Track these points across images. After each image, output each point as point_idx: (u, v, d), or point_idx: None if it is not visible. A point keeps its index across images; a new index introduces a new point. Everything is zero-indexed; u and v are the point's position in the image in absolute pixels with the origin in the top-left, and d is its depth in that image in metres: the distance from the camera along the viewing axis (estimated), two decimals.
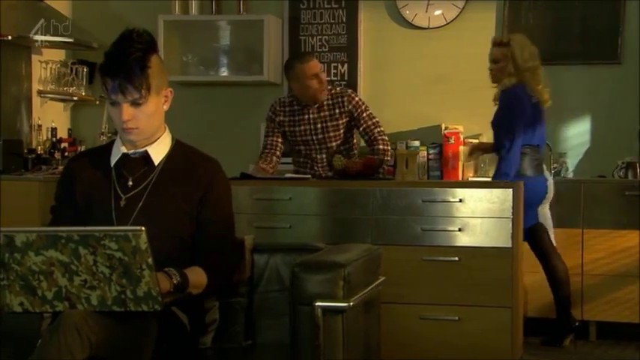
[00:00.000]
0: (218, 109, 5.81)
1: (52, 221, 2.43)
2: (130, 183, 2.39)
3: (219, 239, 2.41)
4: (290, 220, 3.96)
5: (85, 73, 5.55)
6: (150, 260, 2.02)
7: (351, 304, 2.22)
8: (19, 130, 5.24)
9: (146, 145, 2.40)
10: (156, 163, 2.41)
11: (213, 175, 2.43)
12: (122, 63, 2.28)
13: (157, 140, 2.42)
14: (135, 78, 2.28)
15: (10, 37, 4.87)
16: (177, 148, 2.46)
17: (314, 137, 4.51)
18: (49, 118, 5.46)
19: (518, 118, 4.39)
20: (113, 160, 2.41)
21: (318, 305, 2.19)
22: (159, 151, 2.42)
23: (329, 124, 4.50)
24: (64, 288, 2.04)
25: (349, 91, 4.60)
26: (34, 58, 5.42)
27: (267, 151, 4.56)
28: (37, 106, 5.41)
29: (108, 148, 2.45)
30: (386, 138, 4.50)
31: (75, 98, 5.60)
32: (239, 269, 2.52)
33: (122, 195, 2.37)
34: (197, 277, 2.32)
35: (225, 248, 2.42)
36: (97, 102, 5.61)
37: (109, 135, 5.49)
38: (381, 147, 4.45)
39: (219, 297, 2.49)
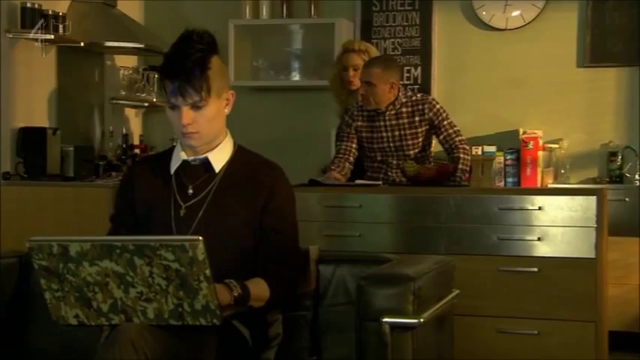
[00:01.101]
0: (289, 115, 5.73)
1: (111, 230, 2.36)
2: (190, 191, 2.29)
3: (283, 249, 2.29)
4: (360, 228, 3.84)
5: (156, 79, 5.53)
6: (208, 272, 1.92)
7: (422, 320, 2.08)
8: (92, 136, 5.25)
9: (207, 151, 2.31)
10: (217, 170, 2.31)
11: (275, 182, 2.32)
12: (181, 64, 2.19)
13: (218, 146, 2.32)
14: (195, 80, 2.19)
15: (82, 44, 4.87)
16: (238, 154, 2.36)
17: (391, 145, 4.36)
18: (121, 124, 5.46)
19: None
20: (173, 167, 2.33)
21: (386, 321, 2.05)
22: (220, 157, 2.32)
23: (407, 132, 4.34)
24: (119, 300, 1.96)
25: (430, 98, 4.41)
26: (107, 64, 5.43)
27: (340, 156, 4.43)
28: (110, 112, 5.42)
29: (168, 154, 2.37)
30: (467, 147, 4.32)
31: (146, 104, 5.59)
32: (303, 281, 2.41)
33: (182, 204, 2.28)
34: (259, 289, 2.22)
35: (289, 259, 2.31)
36: None
37: None
38: (461, 155, 4.26)
39: (282, 310, 2.38)
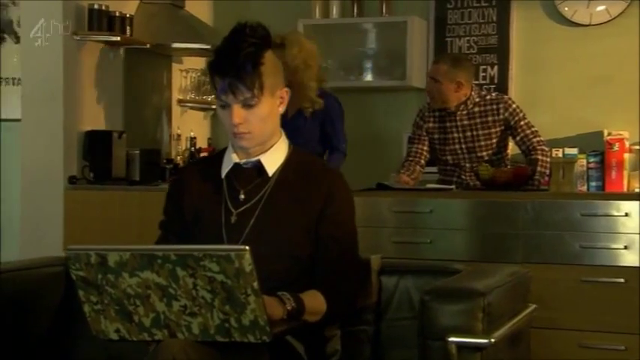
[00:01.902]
0: (358, 117, 5.54)
1: (159, 238, 2.22)
2: (242, 196, 2.14)
3: (341, 259, 2.12)
4: (431, 234, 3.65)
5: None
6: (255, 284, 1.76)
7: (493, 340, 1.88)
8: (159, 139, 5.17)
9: (259, 154, 2.15)
10: (270, 174, 2.15)
11: (333, 187, 2.15)
12: (232, 60, 2.04)
13: (271, 148, 2.17)
14: (246, 76, 2.04)
15: (148, 45, 4.80)
16: (293, 156, 2.20)
17: (462, 146, 4.16)
18: (189, 127, 5.37)
19: None
20: (224, 170, 2.18)
21: (452, 341, 1.86)
22: (273, 160, 2.16)
23: (480, 132, 4.13)
24: (162, 314, 1.82)
25: (505, 97, 4.22)
26: (175, 66, 5.35)
27: (410, 159, 4.25)
28: (177, 115, 5.34)
29: (219, 157, 2.22)
30: (546, 148, 4.08)
31: (214, 106, 5.47)
32: (364, 293, 2.23)
33: (233, 210, 2.13)
34: (315, 302, 2.05)
35: (348, 269, 2.14)
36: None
37: None
38: (539, 157, 4.02)
39: (341, 325, 2.20)
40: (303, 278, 2.11)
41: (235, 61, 2.04)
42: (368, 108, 5.53)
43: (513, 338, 2.14)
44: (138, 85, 4.97)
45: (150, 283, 1.79)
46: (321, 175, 2.16)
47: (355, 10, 5.49)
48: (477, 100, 4.13)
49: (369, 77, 5.50)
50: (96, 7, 4.55)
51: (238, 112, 2.08)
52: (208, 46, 4.94)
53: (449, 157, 4.21)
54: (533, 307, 2.27)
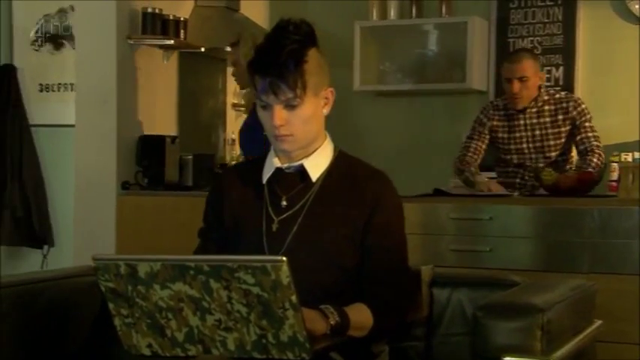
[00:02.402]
0: (416, 121, 5.40)
1: (198, 246, 2.12)
2: (284, 203, 2.03)
3: (389, 270, 1.99)
4: (491, 242, 3.49)
5: None
6: (294, 298, 1.64)
7: None
8: (214, 144, 5.10)
9: (303, 158, 2.03)
10: (313, 179, 2.03)
11: (381, 193, 2.01)
12: (274, 57, 1.93)
13: (315, 151, 2.05)
14: (288, 75, 1.92)
15: (202, 49, 4.73)
16: (339, 160, 2.07)
17: (530, 145, 4.00)
18: None
19: None
20: (265, 175, 2.06)
21: None
22: (317, 164, 2.04)
23: (549, 131, 3.96)
24: (195, 328, 1.71)
25: (575, 96, 4.11)
26: (230, 70, 5.27)
27: (470, 154, 4.09)
28: (232, 119, 5.27)
29: (261, 161, 2.11)
30: (602, 154, 3.91)
31: None
32: (414, 307, 2.09)
33: (274, 217, 2.02)
34: (361, 316, 1.92)
35: (397, 281, 2.00)
36: None
37: None
38: (595, 160, 3.86)
39: (389, 341, 2.07)
40: (349, 290, 1.98)
41: (277, 59, 1.93)
42: (427, 112, 5.38)
43: (576, 358, 1.97)
44: (192, 90, 4.91)
45: (182, 295, 1.68)
46: (368, 180, 2.03)
47: (414, 11, 5.34)
48: (546, 97, 4.00)
49: (428, 80, 5.34)
50: (150, 10, 4.50)
51: (280, 113, 1.96)
52: None
53: (514, 157, 4.05)
54: (598, 323, 2.10)
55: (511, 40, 5.17)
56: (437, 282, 2.17)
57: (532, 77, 3.94)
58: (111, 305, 1.73)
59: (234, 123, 5.27)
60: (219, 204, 2.09)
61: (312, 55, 1.99)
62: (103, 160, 4.35)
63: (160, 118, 4.65)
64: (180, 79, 4.80)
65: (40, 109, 5.61)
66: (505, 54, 5.03)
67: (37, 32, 5.74)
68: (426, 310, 2.14)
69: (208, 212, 2.12)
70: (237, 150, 5.16)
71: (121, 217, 4.29)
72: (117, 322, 1.75)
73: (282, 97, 1.95)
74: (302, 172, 2.04)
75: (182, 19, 4.64)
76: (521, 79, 3.92)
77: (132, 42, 4.47)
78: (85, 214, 4.40)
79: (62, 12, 5.54)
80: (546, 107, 3.98)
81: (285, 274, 1.63)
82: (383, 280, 1.98)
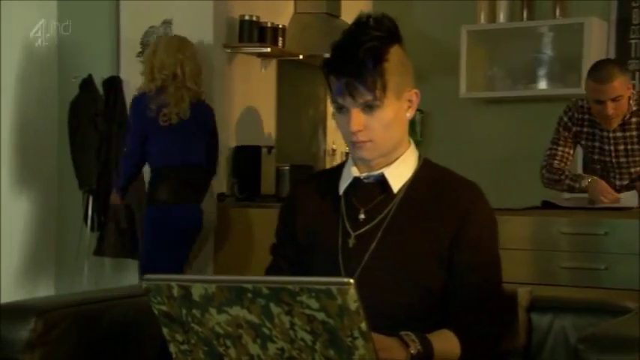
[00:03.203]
0: (527, 128, 5.10)
1: (269, 266, 1.95)
2: (362, 216, 1.83)
3: (480, 292, 1.77)
4: (606, 259, 3.20)
5: None
6: (363, 326, 1.44)
7: None
8: (315, 154, 4.95)
9: (383, 166, 1.83)
10: (395, 191, 1.83)
11: (471, 206, 1.79)
12: (351, 55, 1.74)
13: (397, 159, 1.84)
14: (367, 74, 1.73)
15: (301, 57, 4.60)
16: (424, 170, 1.86)
17: (613, 160, 3.61)
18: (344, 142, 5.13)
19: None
20: (342, 186, 1.87)
21: None
22: (399, 174, 1.84)
23: (636, 147, 3.55)
24: (256, 357, 1.53)
25: None
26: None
27: (557, 161, 3.70)
28: (333, 129, 5.10)
29: (338, 171, 1.92)
30: None
31: None
32: (508, 334, 1.85)
33: (351, 232, 1.82)
34: (447, 344, 1.71)
35: (489, 304, 1.77)
36: None
37: None
38: None
39: None
40: (433, 315, 1.77)
41: (354, 57, 1.74)
42: (538, 119, 5.07)
43: None
44: (291, 99, 4.78)
45: (241, 320, 1.51)
46: (456, 192, 1.81)
47: (525, 14, 5.06)
48: (635, 108, 3.56)
49: (541, 85, 5.04)
50: (247, 18, 4.40)
51: (357, 118, 1.77)
52: None
53: (597, 167, 3.67)
54: None
55: (633, 41, 4.82)
56: (536, 306, 1.92)
57: (625, 94, 3.50)
58: (165, 330, 1.58)
59: (335, 133, 5.10)
60: (292, 218, 1.91)
61: (395, 53, 1.79)
62: None
63: (257, 128, 4.53)
64: (279, 87, 4.68)
65: None
66: (624, 57, 4.70)
67: (142, 44, 5.75)
68: (524, 339, 1.89)
69: (280, 227, 1.95)
70: (337, 160, 5.00)
71: (217, 229, 4.18)
72: (172, 348, 1.59)
73: (360, 100, 1.76)
74: (382, 182, 1.83)
75: (280, 26, 4.52)
76: (615, 100, 3.48)
77: (229, 51, 4.38)
78: None
79: (166, 23, 5.51)
80: (633, 119, 3.56)
81: (352, 299, 1.43)
82: (473, 303, 1.76)
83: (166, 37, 4.26)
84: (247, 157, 4.28)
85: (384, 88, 1.75)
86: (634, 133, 3.56)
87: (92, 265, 5.65)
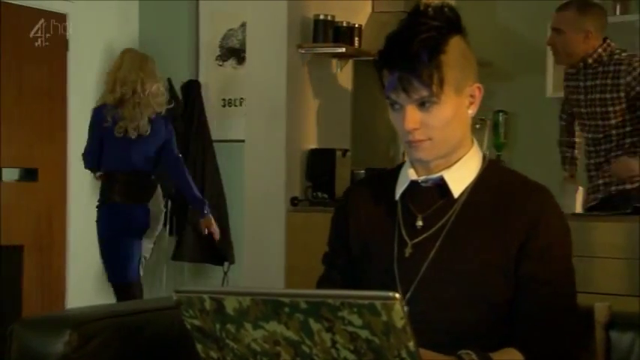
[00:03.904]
0: None
1: (321, 277, 1.82)
2: (420, 223, 1.67)
3: (550, 307, 1.60)
4: None
5: None
6: (411, 345, 1.30)
7: None
8: (392, 158, 4.79)
9: (443, 169, 1.68)
10: (456, 196, 1.67)
11: (540, 212, 1.62)
12: (404, 47, 1.59)
13: (458, 161, 1.68)
14: (422, 68, 1.58)
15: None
16: (488, 172, 1.70)
17: (583, 110, 3.63)
18: None
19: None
20: (399, 190, 1.72)
21: None
22: (461, 177, 1.68)
23: (597, 95, 3.51)
24: None
25: (636, 57, 3.54)
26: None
27: (565, 136, 3.84)
28: None
29: (394, 173, 1.77)
30: None
31: None
32: (583, 355, 1.67)
33: (408, 240, 1.67)
34: None
35: (560, 321, 1.60)
36: (477, 126, 4.97)
37: None
38: None
39: None
40: (498, 331, 1.61)
41: (408, 49, 1.59)
42: None
43: None
44: (367, 100, 4.63)
45: (278, 337, 1.38)
46: (524, 197, 1.64)
47: (618, 9, 4.77)
48: (606, 58, 3.49)
49: None
50: (322, 17, 4.28)
51: (413, 115, 1.62)
52: None
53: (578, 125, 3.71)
54: None
55: None
56: (616, 323, 1.73)
57: (569, 32, 3.50)
58: (199, 346, 1.46)
59: None
60: (345, 225, 1.77)
61: (454, 44, 1.63)
62: (272, 175, 4.16)
63: (332, 130, 4.40)
64: (355, 88, 4.54)
65: (223, 125, 5.58)
66: None
67: (221, 47, 5.72)
68: (602, 359, 1.70)
69: (332, 235, 1.81)
70: None
71: (290, 234, 4.08)
72: None
73: (415, 95, 1.61)
74: (442, 186, 1.68)
75: (356, 25, 4.39)
76: (557, 31, 3.55)
77: (303, 51, 4.27)
78: (255, 231, 4.23)
79: (245, 26, 5.47)
80: (600, 69, 3.50)
81: (398, 315, 1.28)
82: (541, 319, 1.59)
83: (132, 52, 4.57)
84: (321, 161, 4.16)
85: (441, 83, 1.60)
86: (598, 82, 3.50)
87: (172, 269, 5.64)
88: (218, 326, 1.42)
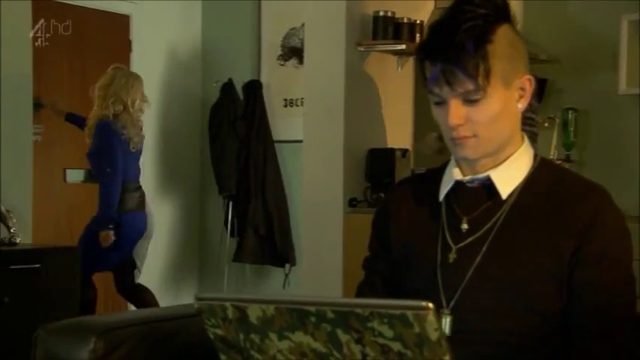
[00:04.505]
0: None
1: (361, 283, 1.71)
2: (465, 226, 1.56)
3: (606, 318, 1.46)
4: None
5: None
6: (447, 358, 1.19)
7: None
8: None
9: (490, 168, 1.56)
10: (504, 196, 1.54)
11: (596, 214, 1.49)
12: (448, 37, 1.48)
13: (507, 160, 1.56)
14: (467, 59, 1.46)
15: None
16: (540, 172, 1.57)
17: None
18: None
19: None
20: (443, 191, 1.61)
21: None
22: (509, 176, 1.55)
23: None
24: None
25: None
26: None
27: None
28: None
29: (439, 173, 1.66)
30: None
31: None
32: None
33: (452, 244, 1.56)
34: None
35: (616, 332, 1.47)
36: (546, 124, 4.80)
37: (559, 162, 4.65)
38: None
39: None
40: (549, 343, 1.48)
41: (452, 38, 1.48)
42: None
43: None
44: (428, 98, 4.50)
45: (305, 349, 1.28)
46: (579, 198, 1.51)
47: None
48: None
49: None
50: (381, 14, 4.17)
51: (457, 110, 1.51)
52: None
53: None
54: None
55: None
56: None
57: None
58: (223, 358, 1.37)
59: None
60: (386, 228, 1.67)
61: (503, 34, 1.51)
62: (330, 176, 4.07)
63: (392, 130, 4.29)
64: (417, 87, 4.41)
65: (284, 125, 5.52)
66: None
67: (282, 46, 5.66)
68: None
69: (373, 238, 1.70)
70: None
71: (348, 236, 3.98)
72: None
73: (460, 89, 1.49)
74: (489, 186, 1.56)
75: (418, 21, 4.26)
76: None
77: (362, 49, 4.17)
78: (313, 232, 4.15)
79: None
80: None
81: (432, 326, 1.17)
82: (597, 330, 1.46)
83: (122, 71, 4.75)
84: (381, 161, 4.05)
85: (487, 75, 1.48)
86: None
87: (233, 270, 5.60)
88: (242, 336, 1.33)
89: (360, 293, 1.68)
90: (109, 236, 4.43)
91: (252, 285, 5.61)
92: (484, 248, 1.52)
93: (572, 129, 4.77)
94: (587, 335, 1.46)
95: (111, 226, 4.43)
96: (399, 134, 4.30)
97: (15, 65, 4.37)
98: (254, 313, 1.30)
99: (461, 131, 1.52)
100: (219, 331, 1.35)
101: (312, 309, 1.25)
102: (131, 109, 4.53)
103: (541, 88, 4.86)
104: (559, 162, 4.67)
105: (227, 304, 1.32)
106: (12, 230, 3.70)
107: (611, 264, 1.47)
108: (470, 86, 1.48)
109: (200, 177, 5.87)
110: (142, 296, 4.70)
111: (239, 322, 1.32)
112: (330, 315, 1.23)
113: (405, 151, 4.08)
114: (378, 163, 4.05)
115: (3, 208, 3.70)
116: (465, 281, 1.51)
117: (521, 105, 1.56)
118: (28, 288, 3.53)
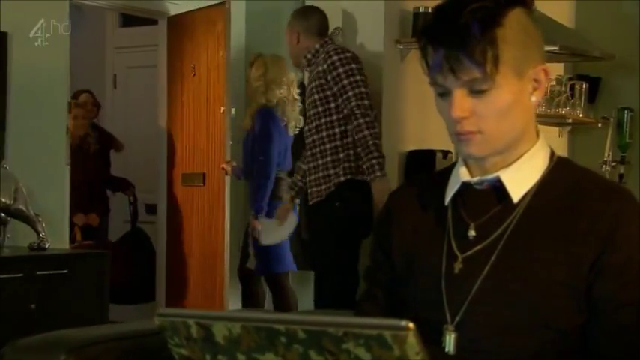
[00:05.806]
0: None
1: (362, 295, 1.56)
2: (472, 233, 1.39)
3: (632, 335, 1.29)
4: None
5: (583, 90, 4.57)
6: None
7: None
8: None
9: (500, 168, 1.39)
10: (515, 200, 1.38)
11: (618, 220, 1.31)
12: (452, 19, 1.32)
13: (519, 159, 1.39)
14: (473, 43, 1.30)
15: None
16: (556, 173, 1.40)
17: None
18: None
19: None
20: (449, 194, 1.44)
21: None
22: (521, 178, 1.39)
23: (309, 98, 3.73)
24: None
25: (340, 50, 3.69)
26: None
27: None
28: None
29: (446, 174, 1.49)
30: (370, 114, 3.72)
31: (569, 121, 4.62)
32: None
33: (458, 253, 1.39)
34: None
35: None
36: (599, 124, 4.59)
37: (613, 165, 4.43)
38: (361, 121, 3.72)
39: None
40: None
41: (456, 21, 1.31)
42: None
43: None
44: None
45: None
46: (600, 202, 1.34)
47: None
48: (322, 57, 3.61)
49: None
50: (422, 10, 4.01)
51: (461, 101, 1.35)
52: (555, 48, 4.15)
53: None
54: None
55: None
56: None
57: (286, 34, 3.81)
58: None
59: None
60: (388, 235, 1.51)
61: (514, 18, 1.35)
62: None
63: (434, 130, 4.10)
64: None
65: None
66: None
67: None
68: None
69: (375, 247, 1.55)
70: None
71: None
72: None
73: (464, 77, 1.33)
74: (499, 188, 1.39)
75: None
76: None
77: (401, 46, 4.02)
78: None
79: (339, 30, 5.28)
80: (315, 69, 3.65)
81: (413, 349, 1.02)
82: (619, 349, 1.30)
83: (272, 57, 4.49)
84: (421, 162, 3.89)
85: (495, 62, 1.31)
86: (313, 84, 3.65)
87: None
88: (208, 357, 1.19)
89: (359, 306, 1.53)
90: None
91: (297, 291, 5.47)
92: (493, 257, 1.35)
93: (627, 129, 4.57)
94: (609, 353, 1.29)
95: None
96: (439, 135, 4.12)
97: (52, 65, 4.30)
98: (219, 331, 1.16)
99: (465, 125, 1.35)
100: (183, 351, 1.21)
101: (282, 327, 1.10)
102: (290, 94, 4.32)
103: (593, 87, 4.65)
104: (613, 164, 4.46)
105: (190, 321, 1.18)
106: (41, 235, 3.63)
107: (635, 276, 1.30)
108: (476, 74, 1.32)
109: None
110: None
111: (204, 342, 1.18)
112: (302, 335, 1.09)
113: (446, 153, 3.91)
114: (418, 165, 3.89)
115: (32, 212, 3.63)
116: (472, 294, 1.35)
117: (536, 98, 1.39)
118: (56, 294, 3.46)
